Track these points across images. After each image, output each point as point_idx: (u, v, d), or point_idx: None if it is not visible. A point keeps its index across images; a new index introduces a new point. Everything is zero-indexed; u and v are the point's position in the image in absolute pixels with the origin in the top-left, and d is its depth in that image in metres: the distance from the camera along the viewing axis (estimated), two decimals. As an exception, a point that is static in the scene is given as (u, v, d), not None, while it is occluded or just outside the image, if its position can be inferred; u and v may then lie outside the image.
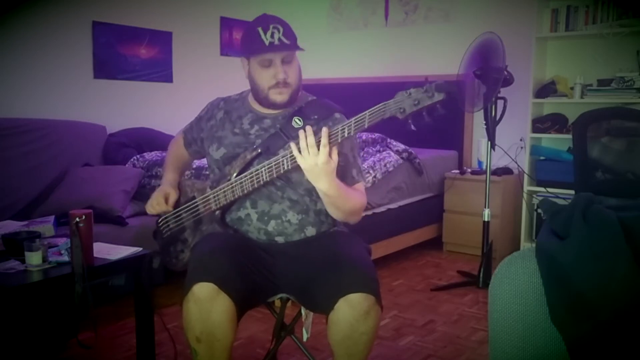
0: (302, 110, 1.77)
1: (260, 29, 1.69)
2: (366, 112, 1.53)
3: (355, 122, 1.54)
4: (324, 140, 1.53)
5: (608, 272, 0.97)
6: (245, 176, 1.70)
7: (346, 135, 1.55)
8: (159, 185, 2.00)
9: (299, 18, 5.23)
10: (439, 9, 4.58)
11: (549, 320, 1.03)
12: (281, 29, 1.70)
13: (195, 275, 1.58)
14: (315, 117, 1.74)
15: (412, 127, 1.53)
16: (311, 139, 1.54)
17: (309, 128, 1.56)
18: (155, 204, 1.90)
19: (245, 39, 1.75)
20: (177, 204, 1.92)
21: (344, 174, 1.78)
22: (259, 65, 1.74)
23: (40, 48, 3.59)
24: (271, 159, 1.65)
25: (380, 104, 1.52)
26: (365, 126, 1.54)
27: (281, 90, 1.75)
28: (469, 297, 3.21)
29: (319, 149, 1.53)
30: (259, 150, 1.74)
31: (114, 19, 3.95)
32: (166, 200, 1.90)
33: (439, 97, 1.48)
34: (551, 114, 3.96)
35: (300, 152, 1.55)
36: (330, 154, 1.55)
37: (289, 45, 1.71)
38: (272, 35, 1.68)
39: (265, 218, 1.77)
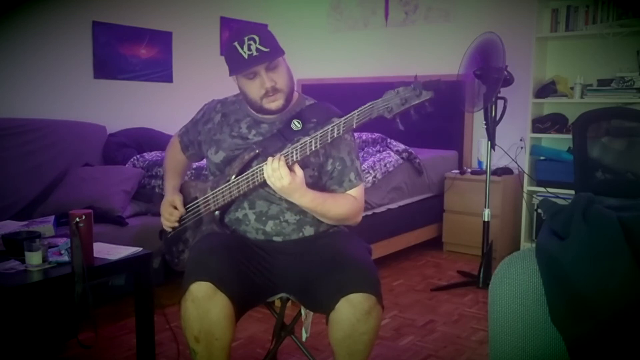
0: (301, 113, 1.77)
1: (236, 44, 1.66)
2: (355, 111, 1.54)
3: (344, 122, 1.55)
4: (282, 161, 1.58)
5: (608, 272, 0.97)
6: (242, 177, 1.70)
7: (335, 135, 1.56)
8: (159, 185, 1.99)
9: (299, 18, 5.25)
10: (439, 9, 4.58)
11: (549, 320, 1.03)
12: (257, 39, 1.66)
13: (193, 274, 1.58)
14: (315, 120, 1.74)
15: (400, 126, 1.52)
16: (275, 164, 1.58)
17: (276, 157, 1.59)
18: (169, 216, 1.89)
19: (227, 57, 1.73)
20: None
21: (341, 178, 1.78)
22: (245, 78, 1.73)
23: (40, 48, 3.59)
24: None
25: (368, 104, 1.53)
26: (354, 126, 1.55)
27: (273, 97, 1.73)
28: (469, 297, 3.21)
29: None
30: (257, 151, 1.74)
31: (114, 19, 3.95)
32: (176, 208, 1.90)
33: (426, 95, 1.48)
34: (551, 114, 3.96)
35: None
36: (293, 170, 1.59)
37: (268, 53, 1.67)
38: (249, 48, 1.65)
39: (263, 218, 1.77)
